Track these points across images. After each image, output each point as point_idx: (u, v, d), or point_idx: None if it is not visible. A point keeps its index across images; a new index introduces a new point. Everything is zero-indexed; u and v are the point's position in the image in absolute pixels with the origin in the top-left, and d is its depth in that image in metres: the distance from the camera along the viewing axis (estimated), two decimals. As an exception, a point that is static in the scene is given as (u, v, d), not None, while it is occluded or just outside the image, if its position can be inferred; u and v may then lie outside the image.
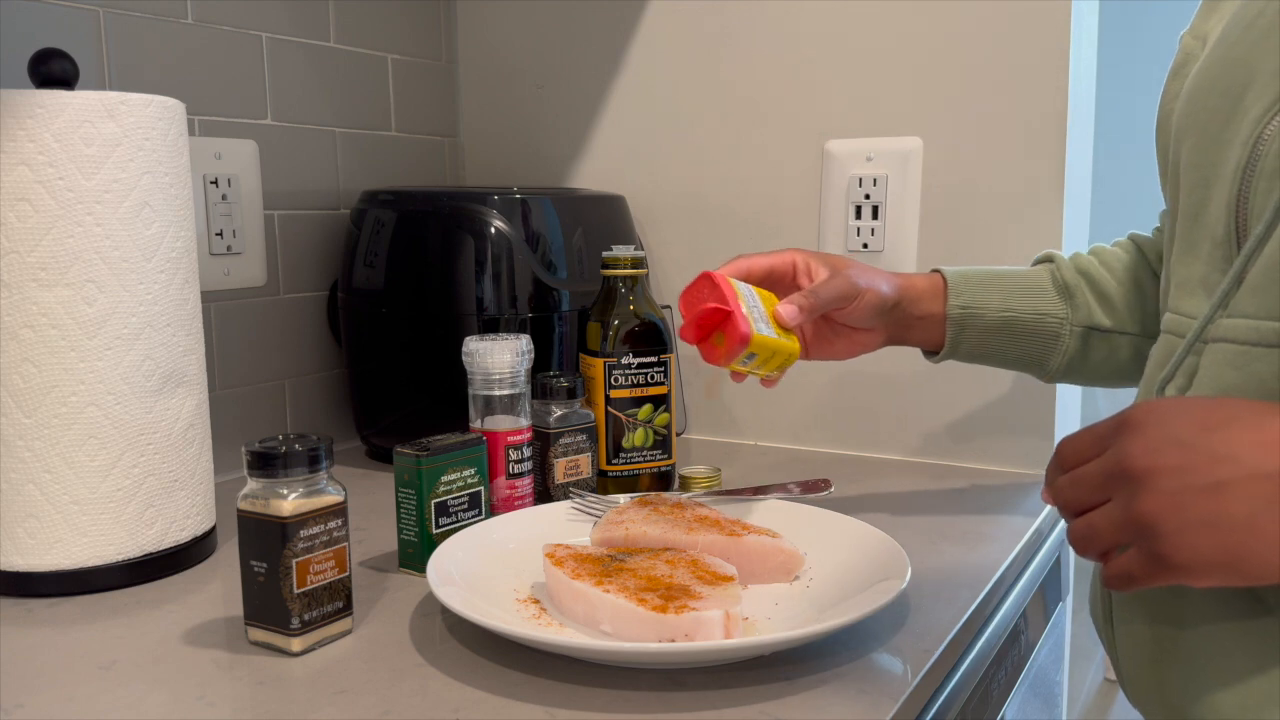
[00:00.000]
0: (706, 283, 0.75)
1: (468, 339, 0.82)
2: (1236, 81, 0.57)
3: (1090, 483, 0.51)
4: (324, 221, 1.13)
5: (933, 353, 0.85)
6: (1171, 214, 0.64)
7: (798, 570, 0.72)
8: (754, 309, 0.74)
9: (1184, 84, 0.64)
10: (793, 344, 0.75)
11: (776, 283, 0.80)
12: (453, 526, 0.75)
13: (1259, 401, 0.49)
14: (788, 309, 0.75)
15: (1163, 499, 0.47)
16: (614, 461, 0.93)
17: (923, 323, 0.82)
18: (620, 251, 0.92)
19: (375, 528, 0.87)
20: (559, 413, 0.87)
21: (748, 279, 0.79)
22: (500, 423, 0.82)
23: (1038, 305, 0.82)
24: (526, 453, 0.83)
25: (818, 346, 0.82)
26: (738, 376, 0.78)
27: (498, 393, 0.82)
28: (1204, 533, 0.47)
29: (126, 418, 0.73)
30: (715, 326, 0.74)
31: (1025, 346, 0.82)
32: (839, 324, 0.80)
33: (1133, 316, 0.81)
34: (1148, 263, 0.82)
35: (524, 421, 0.83)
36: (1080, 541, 0.52)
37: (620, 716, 0.55)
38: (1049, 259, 0.85)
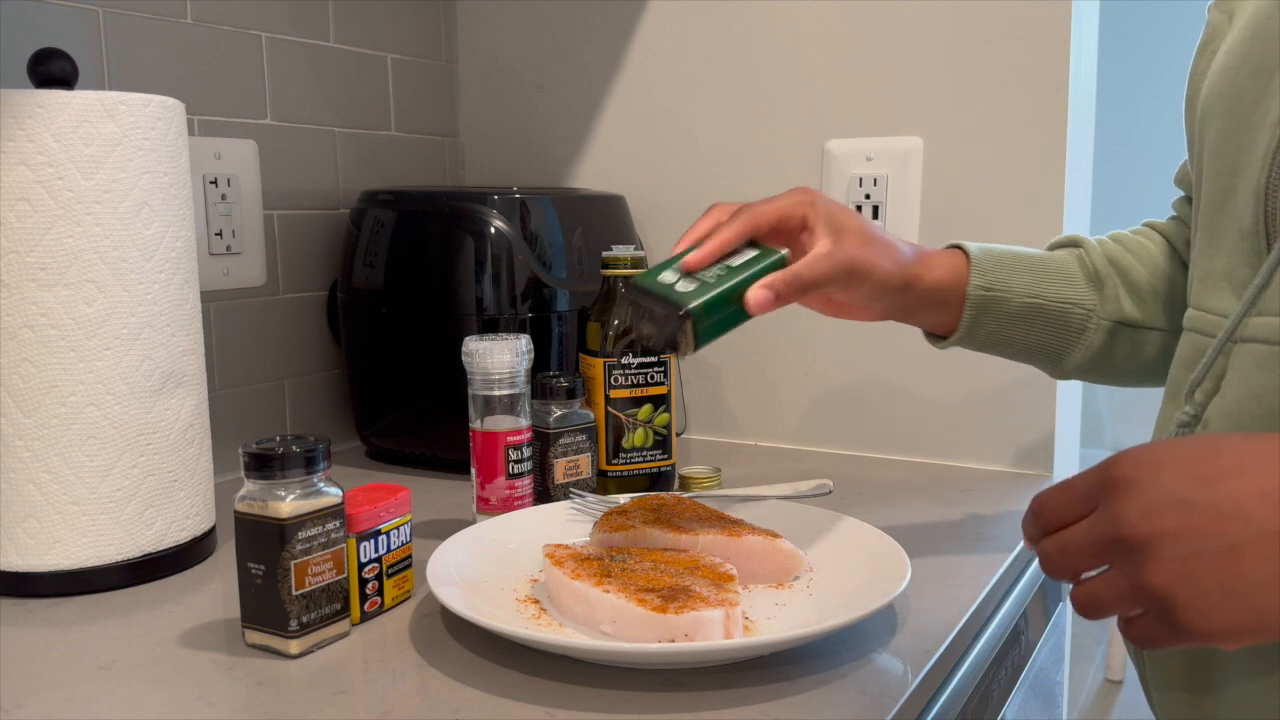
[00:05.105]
0: None
1: (467, 339, 0.82)
2: (1268, 61, 0.54)
3: (1083, 550, 0.47)
4: (324, 221, 1.13)
5: (940, 337, 0.77)
6: (1195, 202, 0.61)
7: (798, 570, 0.72)
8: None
9: (1211, 61, 0.61)
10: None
11: (786, 233, 0.70)
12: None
13: (1255, 439, 0.45)
14: (760, 295, 0.65)
15: (1172, 567, 0.43)
16: (614, 461, 0.92)
17: (934, 303, 0.73)
18: (620, 251, 0.92)
19: (375, 528, 0.87)
20: (559, 413, 0.87)
21: (756, 234, 0.69)
22: (500, 423, 0.82)
23: (1066, 293, 0.74)
24: (526, 453, 0.83)
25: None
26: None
27: (497, 393, 0.82)
28: (1223, 599, 0.43)
29: (126, 418, 0.73)
30: None
31: (1045, 337, 0.75)
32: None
33: (1163, 310, 0.75)
34: (1174, 251, 0.76)
35: (524, 421, 0.83)
36: (1085, 610, 0.48)
37: (620, 717, 0.55)
38: (1074, 243, 0.78)
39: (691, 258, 0.67)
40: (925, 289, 0.72)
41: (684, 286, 0.67)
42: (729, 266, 0.68)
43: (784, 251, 0.69)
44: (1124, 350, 0.76)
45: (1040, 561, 0.50)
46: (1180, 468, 0.45)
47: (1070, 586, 0.50)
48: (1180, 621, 0.44)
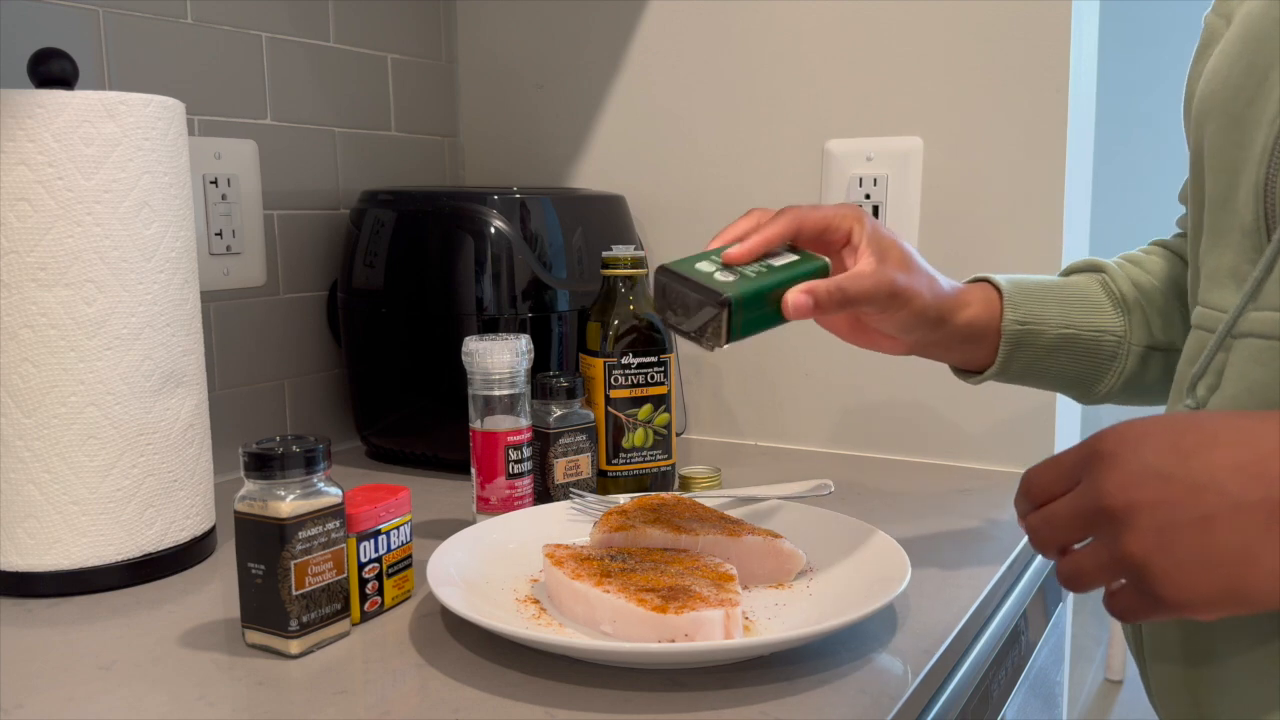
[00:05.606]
0: None
1: (467, 339, 0.82)
2: (1261, 58, 0.55)
3: (1066, 522, 0.48)
4: (324, 221, 1.13)
5: (972, 372, 0.76)
6: (1198, 202, 0.62)
7: (798, 570, 0.72)
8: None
9: (1207, 64, 0.61)
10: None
11: (828, 244, 0.69)
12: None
13: (1236, 415, 0.46)
14: (800, 299, 0.64)
15: (1148, 538, 0.44)
16: (614, 461, 0.92)
17: (967, 338, 0.73)
18: (620, 251, 0.92)
19: (375, 528, 0.87)
20: (559, 413, 0.87)
21: (799, 238, 0.68)
22: (500, 423, 0.82)
23: (1095, 321, 0.74)
24: (526, 453, 0.83)
25: (828, 320, 0.73)
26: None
27: (497, 393, 0.82)
28: (1198, 570, 0.44)
29: (126, 418, 0.73)
30: None
31: (1079, 367, 0.75)
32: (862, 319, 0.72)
33: (1186, 330, 0.74)
34: (1185, 270, 0.76)
35: (524, 421, 0.83)
36: (1069, 582, 0.49)
37: (620, 717, 0.55)
38: (1095, 268, 0.77)
39: (734, 251, 0.66)
40: (960, 325, 0.72)
41: (723, 277, 0.65)
42: (770, 265, 0.66)
43: (826, 260, 0.68)
44: (1156, 373, 0.75)
45: (1028, 536, 0.51)
46: (1160, 441, 0.46)
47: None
48: (1157, 591, 0.45)
